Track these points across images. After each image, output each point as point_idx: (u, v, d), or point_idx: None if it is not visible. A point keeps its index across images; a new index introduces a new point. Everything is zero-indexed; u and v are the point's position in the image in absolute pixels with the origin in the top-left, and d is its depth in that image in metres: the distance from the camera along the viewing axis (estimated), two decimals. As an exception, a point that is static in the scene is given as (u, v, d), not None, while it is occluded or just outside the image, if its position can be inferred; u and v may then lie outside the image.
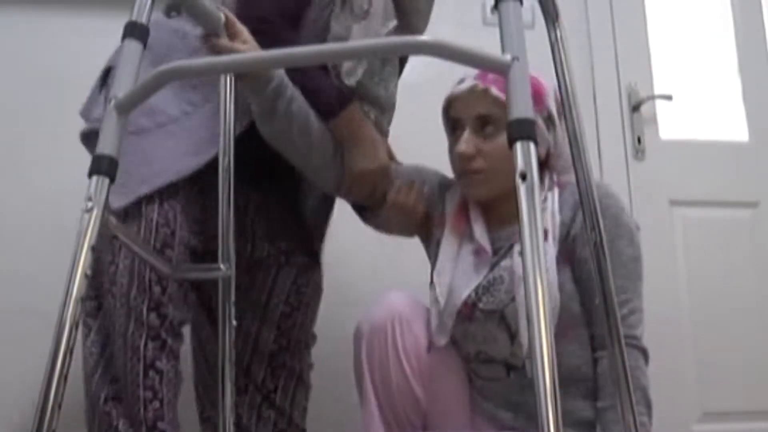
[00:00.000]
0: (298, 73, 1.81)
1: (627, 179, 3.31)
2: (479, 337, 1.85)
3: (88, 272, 1.13)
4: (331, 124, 1.88)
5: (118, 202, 1.75)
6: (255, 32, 1.73)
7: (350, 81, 1.87)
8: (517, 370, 1.83)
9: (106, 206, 1.18)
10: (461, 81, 1.90)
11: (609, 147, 3.31)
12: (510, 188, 1.53)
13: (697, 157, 3.41)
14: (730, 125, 3.53)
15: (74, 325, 1.12)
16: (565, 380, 1.32)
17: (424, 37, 1.04)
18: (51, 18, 2.87)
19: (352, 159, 1.92)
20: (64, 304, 1.12)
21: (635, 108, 3.38)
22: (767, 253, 3.35)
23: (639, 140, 3.36)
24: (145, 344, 1.75)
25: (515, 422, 1.84)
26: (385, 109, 2.01)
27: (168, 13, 1.54)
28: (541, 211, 1.57)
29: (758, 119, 3.52)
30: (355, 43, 1.24)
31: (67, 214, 2.50)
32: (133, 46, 1.32)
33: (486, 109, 1.85)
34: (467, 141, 1.85)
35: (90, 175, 1.20)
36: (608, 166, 3.27)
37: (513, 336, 1.79)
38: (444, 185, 2.05)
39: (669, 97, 3.40)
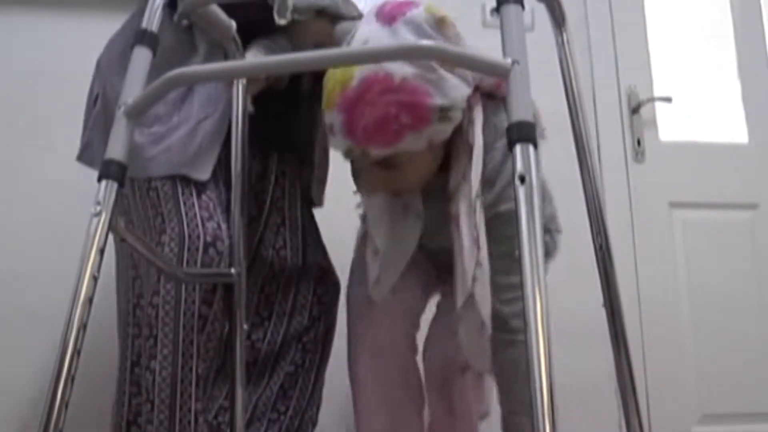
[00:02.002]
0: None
1: (627, 181, 3.32)
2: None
3: (96, 275, 1.16)
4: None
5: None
6: None
7: (282, 20, 1.85)
8: None
9: (115, 210, 1.20)
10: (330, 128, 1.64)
11: (609, 149, 3.32)
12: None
13: (697, 159, 3.42)
14: (730, 127, 3.54)
15: (81, 327, 1.15)
16: None
17: (426, 42, 1.06)
18: (48, 18, 2.88)
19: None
20: (72, 306, 1.14)
21: (635, 110, 3.39)
22: (767, 255, 3.36)
23: (639, 142, 3.37)
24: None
25: None
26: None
27: (179, 20, 1.55)
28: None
29: (758, 121, 3.53)
30: (356, 48, 1.25)
31: (65, 214, 2.55)
32: (143, 53, 1.35)
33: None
34: (372, 182, 1.72)
35: (99, 179, 1.22)
36: (608, 168, 3.28)
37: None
38: None
39: (669, 99, 3.41)
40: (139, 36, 1.39)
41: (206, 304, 1.79)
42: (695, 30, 3.63)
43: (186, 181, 1.85)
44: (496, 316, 1.62)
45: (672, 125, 3.46)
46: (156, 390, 1.74)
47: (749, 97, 3.57)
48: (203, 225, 1.80)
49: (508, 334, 1.64)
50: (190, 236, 1.78)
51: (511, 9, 1.15)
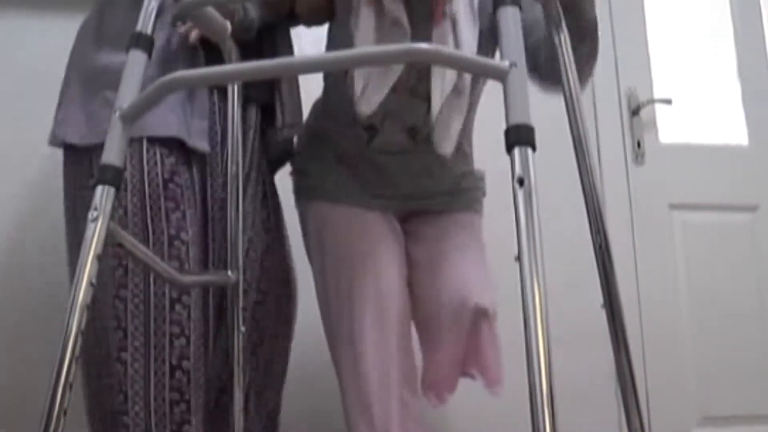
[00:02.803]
0: None
1: (627, 183, 3.32)
2: (403, 110, 1.94)
3: (94, 281, 1.15)
4: None
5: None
6: None
7: None
8: (419, 130, 1.94)
9: (112, 215, 1.20)
10: None
11: (609, 151, 3.32)
12: None
13: (697, 161, 3.42)
14: (730, 129, 3.54)
15: (79, 333, 1.14)
16: None
17: (423, 45, 1.05)
18: (39, 19, 2.85)
19: None
20: (70, 312, 1.14)
21: (635, 112, 3.39)
22: (767, 256, 3.36)
23: (639, 144, 3.37)
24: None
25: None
26: None
27: (174, 22, 1.55)
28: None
29: (758, 123, 3.53)
30: (355, 51, 1.25)
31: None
32: (138, 56, 1.35)
33: None
34: None
35: (95, 184, 1.22)
36: (608, 170, 3.27)
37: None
38: None
39: (668, 101, 3.41)
40: (133, 39, 1.39)
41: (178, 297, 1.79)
42: (695, 32, 3.63)
43: (161, 157, 1.82)
44: None
45: (672, 127, 3.46)
46: (129, 382, 1.74)
47: (749, 99, 3.57)
48: (167, 217, 1.78)
49: None
50: (154, 231, 1.77)
51: (508, 11, 1.15)
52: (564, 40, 1.59)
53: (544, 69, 1.92)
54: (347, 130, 1.98)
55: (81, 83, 1.90)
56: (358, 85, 1.85)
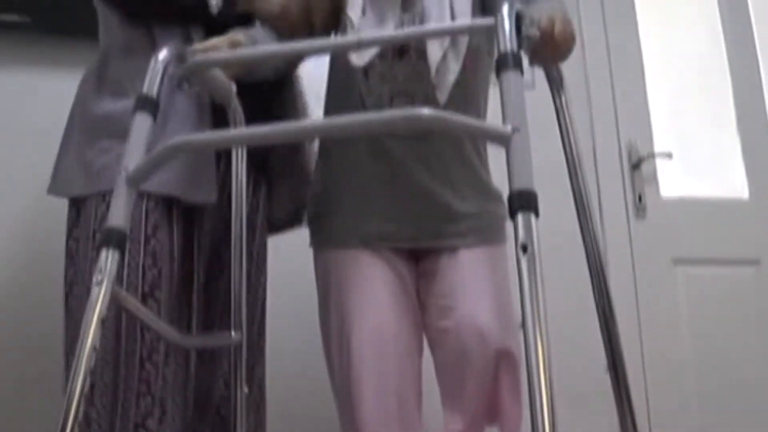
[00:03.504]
0: None
1: (629, 237, 3.32)
2: (401, 76, 1.92)
3: (97, 345, 1.15)
4: None
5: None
6: None
7: None
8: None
9: (117, 278, 1.20)
10: None
11: (610, 205, 3.32)
12: None
13: (699, 214, 3.43)
14: (731, 183, 3.56)
15: (82, 397, 1.14)
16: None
17: (426, 110, 1.06)
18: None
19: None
20: (73, 377, 1.14)
21: (635, 166, 3.40)
22: (771, 310, 3.35)
23: (640, 198, 3.38)
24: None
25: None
26: None
27: (180, 84, 1.57)
28: None
29: (758, 176, 3.55)
30: (361, 117, 1.25)
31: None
32: (143, 118, 1.36)
33: None
34: None
35: (99, 247, 1.22)
36: (609, 225, 3.28)
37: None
38: None
39: (669, 155, 3.42)
40: (140, 102, 1.41)
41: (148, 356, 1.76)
42: (694, 86, 3.65)
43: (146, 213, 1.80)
44: None
45: (673, 181, 3.47)
46: (98, 371, 1.72)
47: (749, 153, 3.59)
48: (143, 274, 1.76)
49: None
50: (127, 288, 1.74)
51: (510, 75, 1.16)
52: (564, 102, 1.60)
53: None
54: None
55: (80, 131, 1.90)
56: (351, 36, 1.88)
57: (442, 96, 1.87)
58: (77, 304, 1.78)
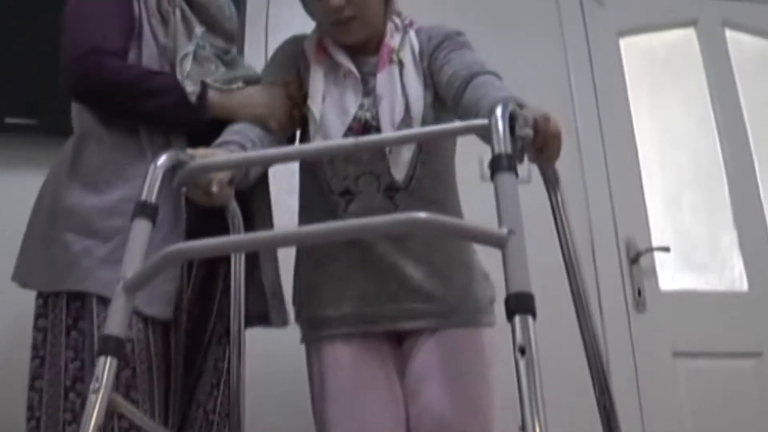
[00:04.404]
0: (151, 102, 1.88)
1: (629, 331, 3.31)
2: (365, 156, 1.98)
3: (95, 453, 1.15)
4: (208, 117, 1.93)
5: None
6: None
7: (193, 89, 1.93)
8: (397, 190, 1.99)
9: (114, 386, 1.20)
10: None
11: (609, 299, 3.33)
12: (374, 30, 2.06)
13: (698, 307, 3.43)
14: (729, 275, 3.58)
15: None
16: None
17: (420, 214, 1.07)
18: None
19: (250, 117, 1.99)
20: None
21: (634, 260, 3.42)
22: (773, 403, 3.33)
23: (639, 292, 3.39)
24: None
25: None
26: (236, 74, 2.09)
27: (179, 187, 1.59)
28: (403, 46, 2.01)
29: (756, 268, 3.57)
30: (355, 222, 1.26)
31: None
32: (142, 225, 1.37)
33: None
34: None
35: (98, 355, 1.22)
36: (609, 319, 3.28)
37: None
38: (298, 46, 2.18)
39: (667, 249, 3.45)
40: (138, 208, 1.42)
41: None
42: (689, 180, 3.71)
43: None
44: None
45: (672, 274, 3.49)
46: (43, 408, 1.73)
47: (746, 246, 3.62)
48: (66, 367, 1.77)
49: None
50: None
51: (504, 177, 1.18)
52: (561, 200, 1.62)
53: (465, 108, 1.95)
54: (323, 206, 2.02)
55: (46, 221, 1.90)
56: (313, 128, 1.98)
57: (399, 174, 1.95)
58: (38, 400, 1.78)
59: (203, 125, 1.92)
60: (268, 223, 2.11)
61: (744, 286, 3.55)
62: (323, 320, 2.02)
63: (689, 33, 3.97)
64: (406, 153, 1.96)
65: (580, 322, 1.63)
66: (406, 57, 2.06)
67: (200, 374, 1.98)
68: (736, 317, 3.44)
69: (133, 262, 1.30)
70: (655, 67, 3.89)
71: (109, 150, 1.90)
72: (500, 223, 1.12)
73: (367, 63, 2.07)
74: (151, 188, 1.45)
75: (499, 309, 1.93)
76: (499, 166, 1.22)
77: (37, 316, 1.86)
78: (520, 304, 1.03)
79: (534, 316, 1.03)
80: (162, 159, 1.50)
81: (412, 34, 2.12)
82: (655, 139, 3.73)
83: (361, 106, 2.01)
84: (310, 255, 2.09)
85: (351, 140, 1.59)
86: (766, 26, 4.06)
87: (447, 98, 1.97)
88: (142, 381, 1.76)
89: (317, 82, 2.04)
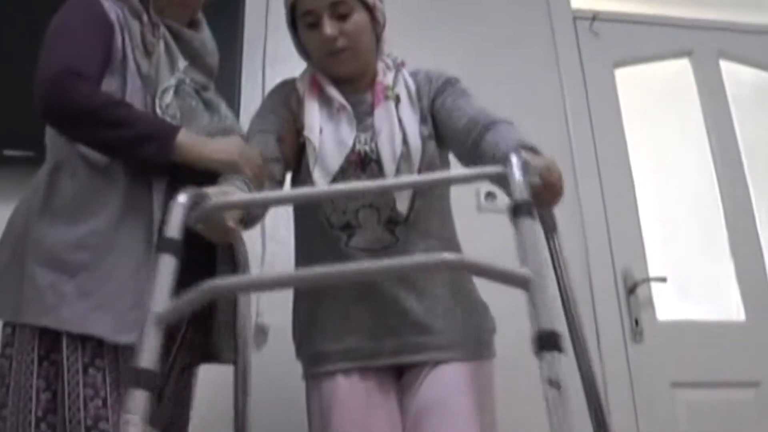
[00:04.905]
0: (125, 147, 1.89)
1: (627, 362, 3.35)
2: (368, 198, 2.04)
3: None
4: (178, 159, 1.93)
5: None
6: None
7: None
8: (397, 223, 2.04)
9: (149, 418, 1.24)
10: None
11: (607, 330, 3.37)
12: (364, 64, 2.15)
13: (696, 337, 3.48)
14: (726, 305, 3.63)
15: None
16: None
17: (452, 255, 1.14)
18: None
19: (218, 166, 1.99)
20: None
21: (631, 291, 3.47)
22: (773, 433, 3.35)
23: (636, 322, 3.43)
24: None
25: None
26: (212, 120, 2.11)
27: (194, 224, 1.63)
28: (396, 83, 2.09)
29: (753, 298, 3.62)
30: (391, 262, 1.32)
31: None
32: (168, 260, 1.42)
33: None
34: (330, 25, 2.07)
35: (130, 388, 1.27)
36: (607, 350, 3.32)
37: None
38: (289, 86, 2.23)
39: (663, 279, 3.50)
40: (163, 244, 1.47)
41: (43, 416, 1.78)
42: (686, 210, 3.78)
43: (83, 346, 1.81)
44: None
45: (669, 305, 3.53)
46: None
47: (743, 275, 3.67)
48: (85, 406, 1.76)
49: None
50: (70, 421, 1.75)
51: (526, 222, 1.25)
52: (557, 245, 1.69)
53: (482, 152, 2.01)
54: (324, 240, 2.06)
55: (12, 251, 1.91)
56: (311, 162, 2.03)
57: (402, 206, 2.01)
58: (2, 427, 1.80)
59: (158, 166, 1.92)
60: (230, 261, 2.10)
61: (741, 315, 3.60)
62: (324, 355, 2.06)
63: (684, 64, 4.07)
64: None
65: (577, 355, 1.69)
66: (402, 94, 2.15)
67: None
68: (733, 347, 3.47)
69: (160, 297, 1.35)
70: (650, 97, 3.98)
71: (83, 182, 1.91)
72: (523, 265, 1.20)
73: (360, 100, 2.15)
74: (174, 225, 1.48)
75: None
76: (519, 212, 1.31)
77: (5, 345, 1.87)
78: (548, 342, 1.10)
79: (560, 351, 1.10)
80: (184, 197, 1.54)
81: (405, 73, 2.21)
82: (651, 169, 3.80)
83: (357, 139, 2.07)
84: (309, 290, 2.13)
85: (377, 182, 1.66)
86: (760, 57, 4.15)
87: (460, 141, 2.03)
88: (114, 411, 1.77)
89: (313, 113, 2.10)
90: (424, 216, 2.07)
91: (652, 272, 3.53)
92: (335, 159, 2.04)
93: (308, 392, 2.10)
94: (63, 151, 1.96)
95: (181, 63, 2.09)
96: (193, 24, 2.20)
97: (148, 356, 1.30)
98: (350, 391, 2.00)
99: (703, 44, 4.10)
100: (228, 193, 1.75)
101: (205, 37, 2.21)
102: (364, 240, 2.04)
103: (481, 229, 2.95)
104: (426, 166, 2.05)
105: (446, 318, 2.05)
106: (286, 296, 2.20)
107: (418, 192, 2.03)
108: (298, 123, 2.13)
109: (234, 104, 3.22)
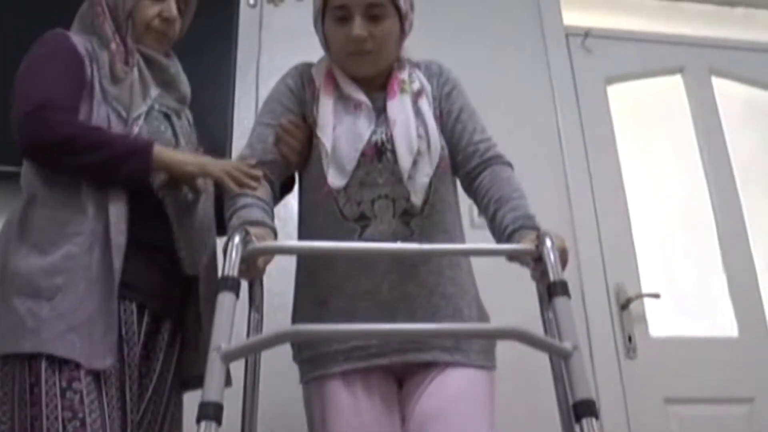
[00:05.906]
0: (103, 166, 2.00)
1: (620, 378, 3.44)
2: (381, 179, 2.14)
3: None
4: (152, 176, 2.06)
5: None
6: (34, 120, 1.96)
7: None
8: (413, 216, 2.13)
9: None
10: None
11: (600, 346, 3.46)
12: (384, 68, 2.22)
13: (689, 354, 3.58)
14: (719, 321, 3.74)
15: None
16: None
17: (507, 326, 1.34)
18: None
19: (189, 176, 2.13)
20: None
21: (624, 307, 3.57)
22: (766, 449, 3.44)
23: (630, 338, 3.53)
24: None
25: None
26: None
27: (241, 264, 1.75)
28: (411, 82, 2.17)
29: (746, 314, 3.73)
30: (463, 325, 1.55)
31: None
32: (227, 297, 1.58)
33: None
34: (361, 26, 2.14)
35: (198, 420, 1.40)
36: (600, 366, 3.41)
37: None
38: (305, 75, 2.31)
39: (657, 296, 3.61)
40: (222, 282, 1.61)
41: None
42: (678, 226, 3.90)
43: (60, 369, 1.87)
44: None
45: (662, 321, 3.64)
46: None
47: (735, 291, 3.78)
48: (64, 428, 1.82)
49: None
50: None
51: (561, 301, 1.46)
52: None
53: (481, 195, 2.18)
54: (336, 234, 2.10)
55: None
56: (326, 166, 2.12)
57: (417, 199, 2.09)
58: None
59: (141, 183, 2.03)
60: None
61: (734, 331, 3.70)
62: (328, 356, 2.09)
63: (676, 80, 4.20)
64: (424, 178, 2.11)
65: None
66: (418, 89, 2.23)
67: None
68: (727, 363, 3.56)
69: (223, 332, 1.51)
70: (642, 114, 4.10)
71: (52, 210, 1.99)
72: (562, 338, 1.39)
73: (374, 98, 2.20)
74: (232, 264, 1.66)
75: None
76: (556, 291, 1.52)
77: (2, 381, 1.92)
78: (586, 410, 1.27)
79: (597, 418, 1.28)
80: (239, 237, 1.72)
81: (419, 73, 2.28)
82: (643, 185, 3.91)
83: (373, 132, 2.15)
84: (311, 291, 2.20)
85: (415, 246, 1.92)
86: (752, 74, 4.29)
87: (460, 161, 2.20)
88: (94, 429, 1.84)
89: (327, 113, 2.17)
90: (438, 209, 2.15)
91: (645, 288, 3.63)
92: (350, 156, 2.12)
93: (308, 397, 2.15)
94: (35, 184, 2.04)
95: (153, 91, 2.19)
96: (166, 56, 2.30)
97: (213, 389, 1.44)
98: (353, 398, 2.05)
99: (695, 61, 4.22)
100: (263, 237, 1.89)
101: (178, 66, 2.32)
102: (379, 232, 2.10)
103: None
104: (443, 162, 2.18)
105: (455, 318, 2.11)
106: (286, 298, 2.30)
107: (433, 185, 2.11)
108: (309, 118, 2.22)
109: (227, 120, 3.37)
